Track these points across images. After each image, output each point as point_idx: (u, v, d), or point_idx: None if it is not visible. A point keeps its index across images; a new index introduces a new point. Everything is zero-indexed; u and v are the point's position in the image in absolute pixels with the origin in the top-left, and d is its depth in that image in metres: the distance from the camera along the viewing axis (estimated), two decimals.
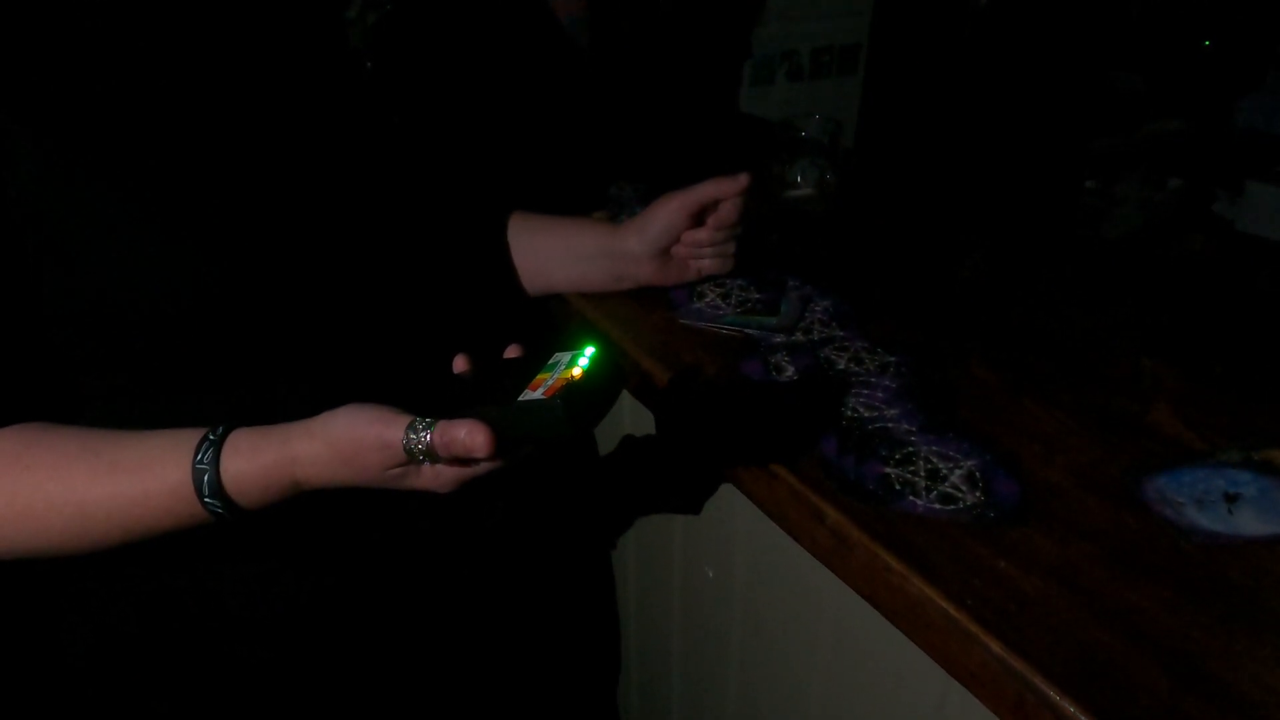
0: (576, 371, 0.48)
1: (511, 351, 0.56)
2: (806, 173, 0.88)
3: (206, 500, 0.50)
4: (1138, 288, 0.87)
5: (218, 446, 0.50)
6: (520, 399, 0.47)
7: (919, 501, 0.58)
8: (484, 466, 0.52)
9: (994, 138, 2.31)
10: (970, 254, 0.92)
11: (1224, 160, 2.18)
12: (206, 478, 0.50)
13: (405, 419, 0.49)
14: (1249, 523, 0.56)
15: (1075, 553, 0.54)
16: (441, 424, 0.48)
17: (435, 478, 0.52)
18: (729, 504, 0.76)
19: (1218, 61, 2.31)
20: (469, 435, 0.47)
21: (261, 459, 0.51)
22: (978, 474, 0.60)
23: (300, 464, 0.51)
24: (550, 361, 0.50)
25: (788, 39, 2.06)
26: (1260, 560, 0.54)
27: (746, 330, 0.78)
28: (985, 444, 0.63)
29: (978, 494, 0.58)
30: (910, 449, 0.63)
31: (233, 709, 0.66)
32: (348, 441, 0.50)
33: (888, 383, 0.70)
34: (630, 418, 0.90)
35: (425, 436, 0.48)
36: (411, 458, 0.49)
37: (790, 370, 0.72)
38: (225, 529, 0.53)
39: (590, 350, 0.49)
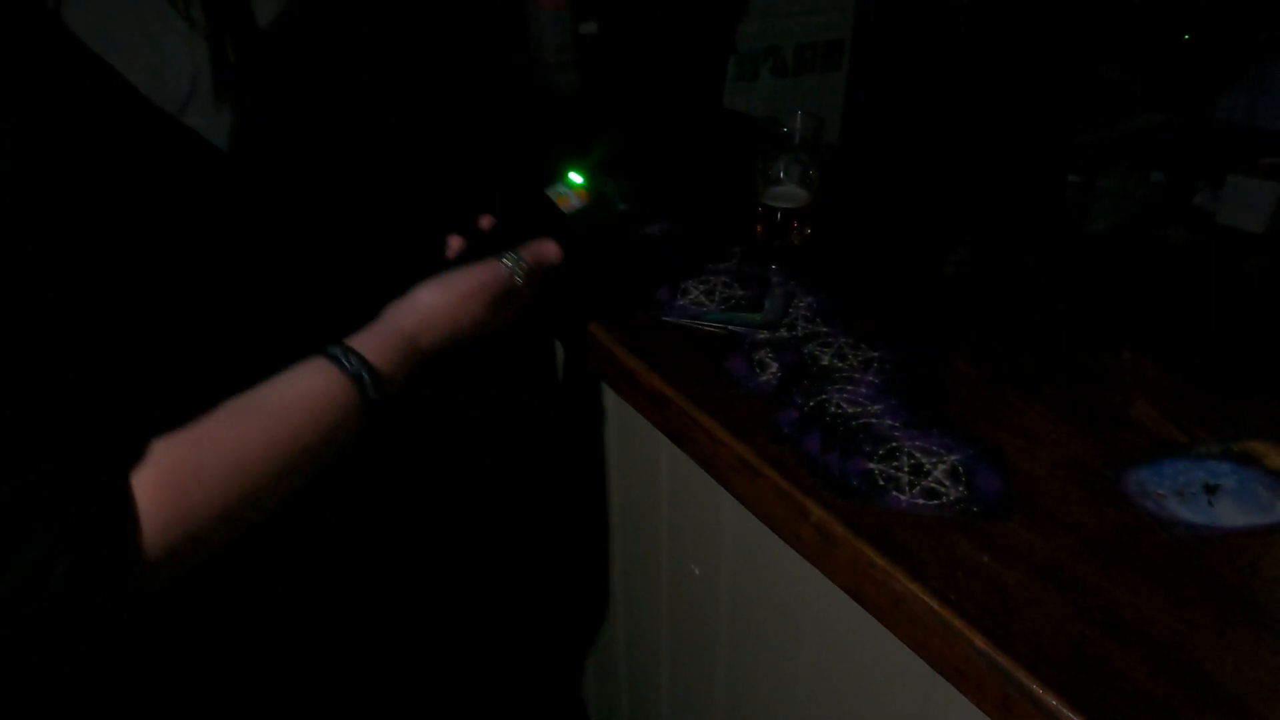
0: (582, 184, 0.69)
1: (485, 221, 0.69)
2: (790, 169, 0.88)
3: (373, 395, 0.57)
4: (1119, 281, 0.88)
5: (353, 352, 0.57)
6: (569, 210, 0.69)
7: (903, 497, 0.58)
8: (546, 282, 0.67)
9: (978, 133, 2.32)
10: (954, 249, 0.92)
11: (1205, 153, 2.19)
12: (365, 376, 0.56)
13: (492, 260, 0.64)
14: (1229, 514, 0.56)
15: (1058, 546, 0.54)
16: (523, 247, 0.65)
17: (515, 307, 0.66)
18: (714, 502, 0.76)
19: (1198, 55, 2.32)
20: (547, 245, 0.66)
21: (389, 345, 0.58)
22: (961, 469, 0.60)
23: (419, 335, 0.60)
24: (552, 193, 0.69)
25: (771, 35, 2.07)
26: (1241, 551, 0.54)
27: (730, 327, 0.78)
28: (968, 439, 0.63)
29: (961, 489, 0.59)
30: (894, 445, 0.63)
31: (222, 700, 0.67)
32: (454, 296, 0.62)
33: (871, 379, 0.70)
34: (615, 412, 0.90)
35: (520, 260, 0.64)
36: (512, 280, 0.64)
37: (774, 366, 0.72)
38: (375, 426, 0.58)
39: (574, 172, 0.69)
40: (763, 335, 0.77)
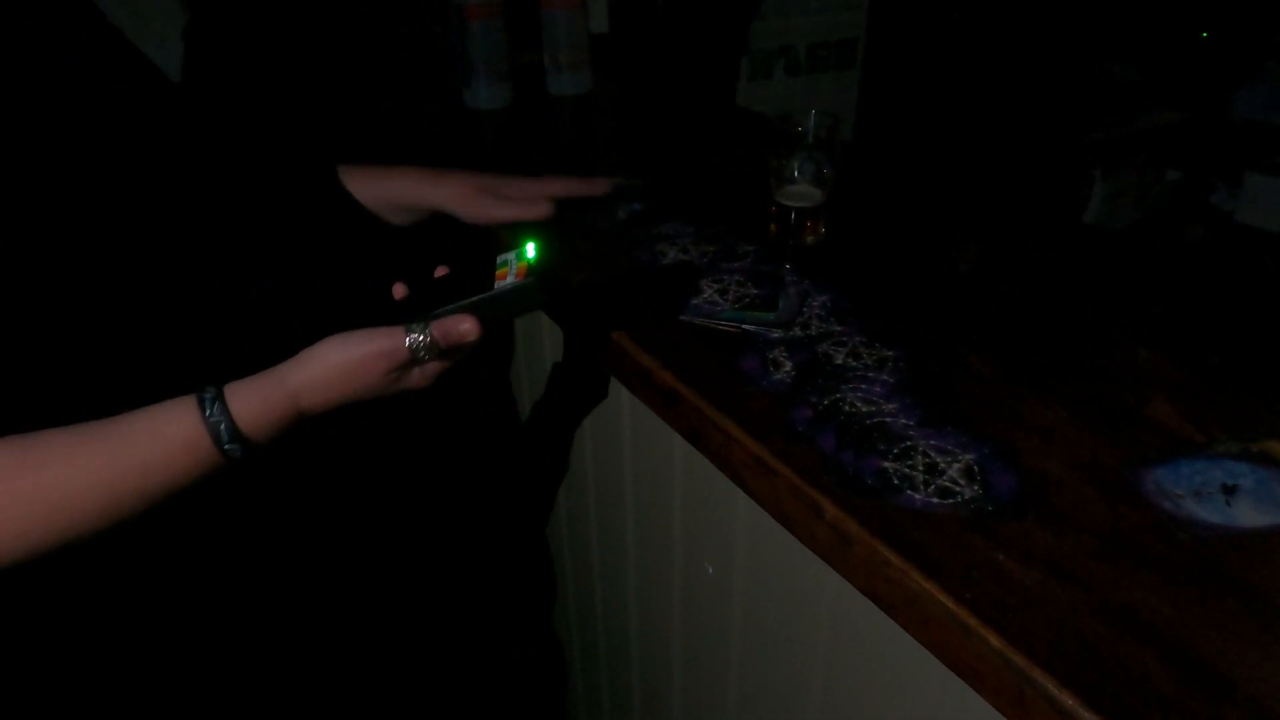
0: (531, 259, 0.62)
1: (440, 271, 0.67)
2: (804, 168, 0.88)
3: (227, 447, 0.56)
4: (1136, 279, 0.87)
5: (221, 400, 0.57)
6: (499, 286, 0.62)
7: (917, 496, 0.58)
8: (457, 359, 0.64)
9: (992, 130, 2.31)
10: (968, 247, 0.92)
11: (1223, 152, 2.17)
12: (223, 427, 0.56)
13: (399, 327, 0.60)
14: (1247, 514, 0.56)
15: (1073, 545, 0.54)
16: (435, 321, 0.60)
17: (422, 375, 0.63)
18: (728, 500, 0.76)
19: (1214, 52, 2.30)
20: (461, 323, 0.60)
21: (267, 399, 0.58)
22: (976, 467, 0.60)
23: (303, 393, 0.59)
24: (500, 260, 0.64)
25: (785, 34, 2.06)
26: (1259, 551, 0.54)
27: (744, 326, 0.78)
28: (983, 438, 0.63)
29: (976, 487, 0.59)
30: (908, 443, 0.63)
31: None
32: (349, 360, 0.59)
33: (885, 378, 0.70)
34: (629, 411, 0.90)
35: (425, 335, 0.60)
36: (413, 356, 0.60)
37: (788, 365, 0.72)
38: (234, 473, 0.59)
39: (532, 244, 0.63)
40: (776, 334, 0.77)
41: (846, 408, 0.67)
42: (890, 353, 0.73)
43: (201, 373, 0.61)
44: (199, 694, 0.72)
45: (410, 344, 0.60)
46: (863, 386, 0.69)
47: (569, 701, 1.41)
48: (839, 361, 0.72)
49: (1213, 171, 2.13)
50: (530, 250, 0.63)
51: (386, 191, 0.85)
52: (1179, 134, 2.30)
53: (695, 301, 0.82)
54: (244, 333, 0.70)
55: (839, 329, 0.77)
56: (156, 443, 0.55)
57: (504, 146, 1.27)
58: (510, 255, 0.64)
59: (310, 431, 0.61)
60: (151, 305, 0.64)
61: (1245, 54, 2.25)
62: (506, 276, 0.62)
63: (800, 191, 0.89)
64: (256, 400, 0.57)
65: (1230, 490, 0.58)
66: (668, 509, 0.89)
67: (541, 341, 1.05)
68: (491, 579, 1.28)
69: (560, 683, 1.38)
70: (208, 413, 0.56)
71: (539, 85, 1.43)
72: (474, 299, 0.62)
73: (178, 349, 0.65)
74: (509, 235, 0.70)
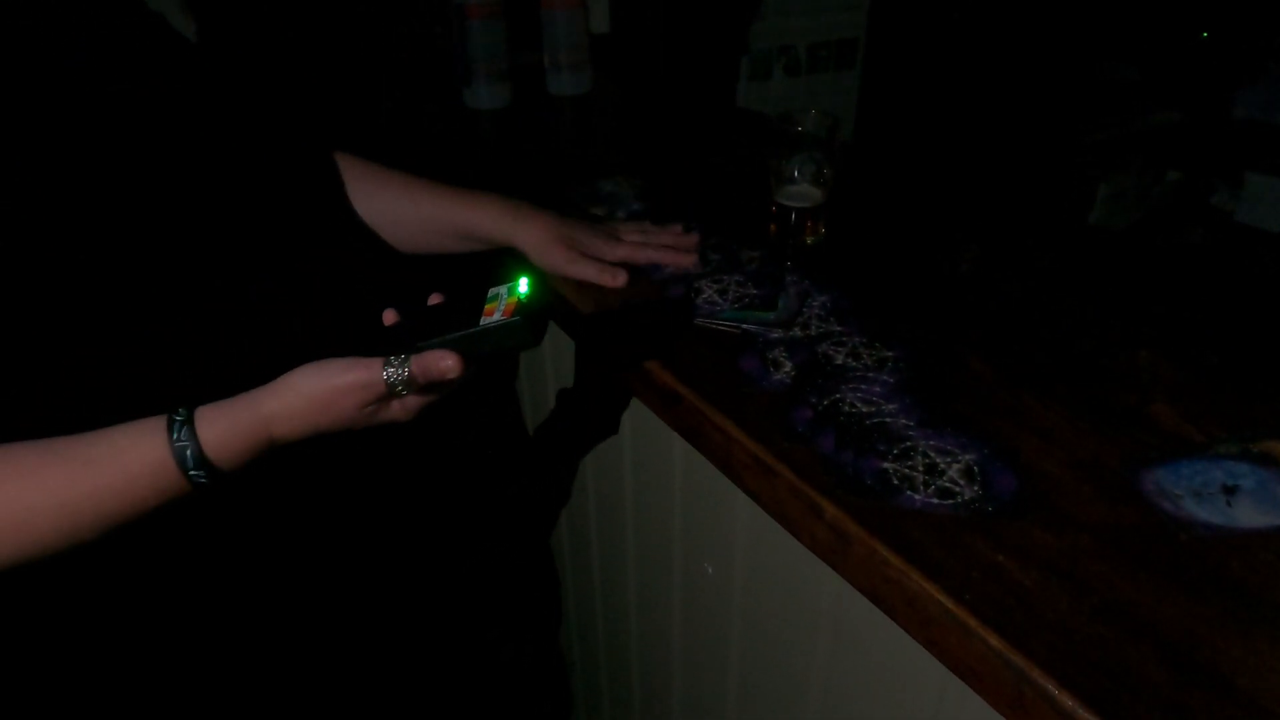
0: (522, 295, 0.59)
1: (435, 299, 0.64)
2: (804, 168, 0.88)
3: (191, 473, 0.54)
4: (1136, 280, 0.87)
5: (190, 424, 0.55)
6: (484, 323, 0.59)
7: (917, 496, 0.58)
8: (440, 394, 0.61)
9: (991, 131, 2.31)
10: (968, 247, 0.92)
11: (1223, 152, 2.17)
12: (189, 452, 0.54)
13: (378, 360, 0.57)
14: (1247, 514, 0.56)
15: (1073, 546, 0.54)
16: (415, 356, 0.57)
17: (402, 409, 0.60)
18: (728, 501, 0.76)
19: (1214, 53, 2.30)
20: (442, 359, 0.57)
21: (238, 425, 0.55)
22: (975, 468, 0.60)
23: (275, 421, 0.56)
24: (491, 294, 0.61)
25: (784, 34, 2.06)
26: (1258, 552, 0.54)
27: (744, 326, 0.78)
28: (983, 438, 0.63)
29: (976, 488, 0.59)
30: (908, 444, 0.63)
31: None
32: (325, 389, 0.56)
33: (885, 378, 0.70)
34: (629, 411, 0.90)
35: (404, 370, 0.57)
36: (390, 390, 0.57)
37: (788, 365, 0.72)
38: (203, 498, 0.56)
39: (525, 279, 0.60)
40: (776, 334, 0.77)
41: (846, 408, 0.67)
42: (890, 353, 0.73)
43: (201, 373, 0.61)
44: (195, 692, 0.72)
45: (387, 378, 0.57)
46: (862, 387, 0.69)
47: (569, 702, 1.41)
48: (839, 362, 0.72)
49: (1213, 171, 2.13)
50: (523, 286, 0.60)
51: (462, 218, 0.83)
52: (1179, 134, 2.30)
53: (695, 301, 0.82)
54: (244, 333, 0.70)
55: (839, 329, 0.77)
56: (117, 465, 0.53)
57: (504, 146, 1.27)
58: (501, 289, 0.61)
59: (293, 455, 0.60)
60: (151, 305, 0.64)
61: (1245, 54, 2.25)
62: (494, 312, 0.59)
63: (800, 191, 0.89)
64: (227, 426, 0.55)
65: (1230, 491, 0.58)
66: (668, 509, 0.89)
67: (542, 347, 1.05)
68: (489, 580, 1.28)
69: (559, 683, 1.38)
70: (174, 437, 0.54)
71: (539, 85, 1.43)
72: (456, 335, 0.59)
73: (177, 349, 0.65)
74: (505, 268, 0.67)
